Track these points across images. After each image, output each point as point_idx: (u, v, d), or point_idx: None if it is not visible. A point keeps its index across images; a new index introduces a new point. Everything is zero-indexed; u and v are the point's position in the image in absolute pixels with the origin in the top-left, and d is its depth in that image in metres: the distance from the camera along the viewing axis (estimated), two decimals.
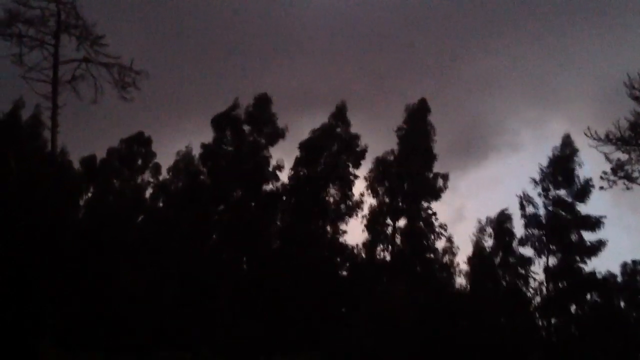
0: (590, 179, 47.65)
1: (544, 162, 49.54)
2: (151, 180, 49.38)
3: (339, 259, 49.50)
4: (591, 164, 46.10)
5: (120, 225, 44.19)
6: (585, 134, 33.43)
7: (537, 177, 49.28)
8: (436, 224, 49.38)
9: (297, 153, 50.09)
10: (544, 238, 48.44)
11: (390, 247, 49.45)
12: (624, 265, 48.07)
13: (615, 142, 32.15)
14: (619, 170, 32.70)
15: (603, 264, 48.58)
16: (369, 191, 50.25)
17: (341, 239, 49.47)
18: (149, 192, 49.63)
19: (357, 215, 49.65)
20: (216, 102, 73.14)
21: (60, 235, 37.69)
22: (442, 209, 58.33)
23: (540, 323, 48.87)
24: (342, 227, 49.57)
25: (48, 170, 39.06)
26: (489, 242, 49.77)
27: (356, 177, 50.09)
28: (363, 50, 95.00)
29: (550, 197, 49.02)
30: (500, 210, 50.07)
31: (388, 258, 49.43)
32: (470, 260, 49.14)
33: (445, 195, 50.15)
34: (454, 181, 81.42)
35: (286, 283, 44.78)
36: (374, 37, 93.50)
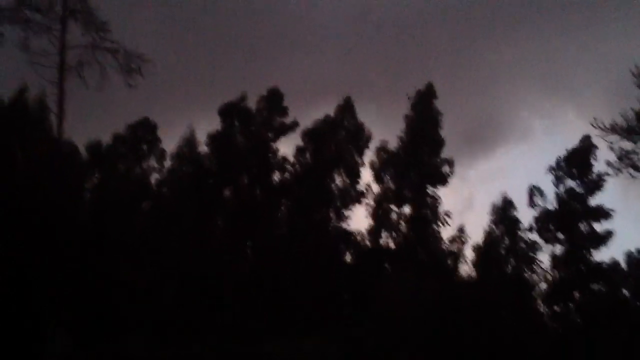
0: (604, 174, 47.64)
1: (555, 152, 49.63)
2: (156, 165, 49.48)
3: (343, 246, 49.67)
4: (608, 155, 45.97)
5: (125, 211, 44.29)
6: (592, 125, 33.47)
7: (553, 166, 49.31)
8: (441, 210, 49.51)
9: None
10: (552, 227, 48.53)
11: (395, 234, 49.58)
12: (629, 254, 48.26)
13: (622, 132, 32.18)
14: (625, 159, 32.72)
15: (611, 254, 48.85)
16: (374, 178, 50.36)
17: (345, 226, 49.70)
18: (154, 177, 49.75)
19: (362, 202, 49.87)
20: (223, 90, 72.97)
21: (67, 223, 37.81)
22: (451, 198, 58.52)
23: (543, 310, 49.08)
24: (347, 214, 49.87)
25: (54, 156, 39.20)
26: (494, 229, 49.98)
27: (362, 164, 50.17)
28: (375, 41, 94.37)
29: (563, 188, 49.01)
30: (503, 196, 50.14)
31: (392, 245, 49.54)
32: (477, 248, 49.22)
33: (454, 184, 50.32)
34: (464, 170, 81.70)
35: (290, 269, 44.93)
36: (386, 27, 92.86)
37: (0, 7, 34.57)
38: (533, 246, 49.26)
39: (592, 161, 48.70)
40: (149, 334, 38.55)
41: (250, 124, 50.17)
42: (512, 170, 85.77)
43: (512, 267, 49.51)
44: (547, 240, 48.90)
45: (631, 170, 31.81)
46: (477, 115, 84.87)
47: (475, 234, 54.31)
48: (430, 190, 49.89)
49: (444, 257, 49.45)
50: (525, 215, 50.07)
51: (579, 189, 48.82)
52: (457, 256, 49.46)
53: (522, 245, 49.46)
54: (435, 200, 49.57)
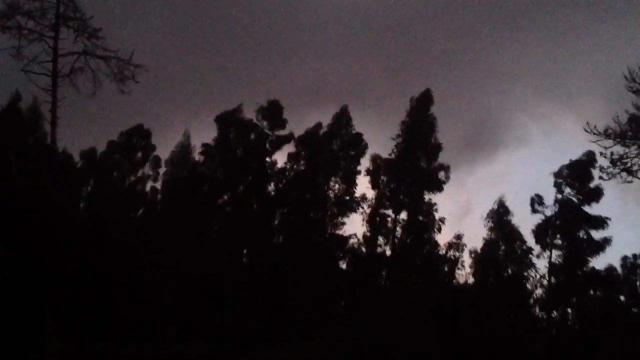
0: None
1: (554, 157, 49.43)
2: (151, 173, 49.50)
3: (339, 252, 49.66)
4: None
5: (120, 218, 44.26)
6: (585, 130, 33.43)
7: (556, 174, 49.34)
8: (437, 216, 49.48)
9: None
10: (550, 233, 48.61)
11: (391, 239, 49.56)
12: (624, 259, 48.28)
13: (615, 136, 32.14)
14: (618, 163, 32.67)
15: (608, 259, 48.81)
16: (371, 184, 50.40)
17: (341, 232, 49.71)
18: (149, 184, 49.78)
19: (358, 209, 49.87)
20: (220, 95, 73.07)
21: (61, 230, 37.78)
22: (449, 203, 58.41)
23: (540, 315, 49.04)
24: (343, 220, 49.82)
25: (49, 164, 39.21)
26: (491, 235, 49.94)
27: (357, 172, 50.31)
28: (374, 46, 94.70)
29: (563, 195, 49.17)
30: (498, 200, 50.13)
31: (388, 251, 49.60)
32: (474, 254, 49.27)
33: (452, 190, 50.30)
34: (463, 176, 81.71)
35: (286, 275, 44.90)
36: (385, 32, 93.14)
37: None
38: (530, 252, 49.11)
39: (593, 172, 48.65)
40: (147, 334, 38.52)
41: (248, 135, 50.28)
42: (511, 175, 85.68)
43: (509, 272, 49.34)
44: (544, 247, 48.85)
45: (624, 175, 31.90)
46: (476, 120, 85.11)
47: (474, 239, 54.28)
48: (426, 196, 49.74)
49: (440, 262, 49.31)
50: (522, 221, 50.01)
51: (578, 198, 48.78)
52: (454, 261, 49.28)
53: (519, 251, 49.31)
54: (431, 206, 49.43)
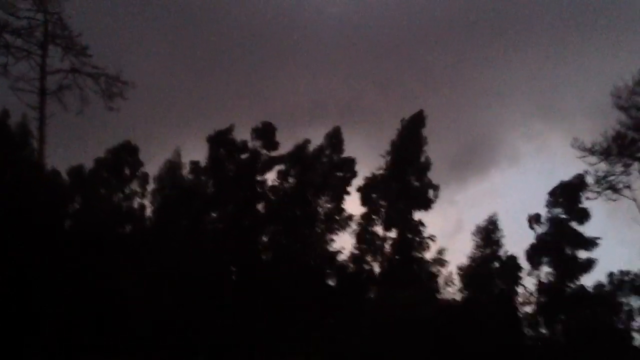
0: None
1: (544, 175, 49.56)
2: (139, 189, 49.47)
3: (328, 270, 49.75)
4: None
5: (107, 235, 44.14)
6: (572, 146, 33.78)
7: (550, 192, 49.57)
8: (425, 234, 49.61)
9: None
10: (540, 251, 48.84)
11: (379, 257, 49.73)
12: (610, 275, 48.48)
13: (600, 153, 32.42)
14: (603, 182, 32.96)
15: (598, 276, 49.00)
16: (360, 201, 50.62)
17: (330, 248, 49.73)
18: (137, 201, 49.74)
19: (346, 227, 50.04)
20: (211, 114, 73.05)
21: (48, 247, 37.70)
22: (440, 221, 58.70)
23: (528, 332, 49.15)
24: (332, 237, 49.90)
25: (36, 181, 39.18)
26: (477, 251, 50.13)
27: (347, 193, 50.53)
28: (365, 62, 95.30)
29: (552, 216, 49.42)
30: (488, 218, 50.34)
31: (377, 268, 49.68)
32: (461, 270, 49.40)
33: (444, 208, 50.44)
34: (454, 194, 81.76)
35: (274, 292, 44.94)
36: (379, 50, 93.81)
37: None
38: (519, 269, 49.30)
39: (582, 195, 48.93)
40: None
41: (239, 154, 50.68)
42: (502, 193, 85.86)
43: (498, 289, 49.52)
44: (534, 265, 49.10)
45: (609, 193, 32.16)
46: (466, 138, 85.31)
47: (464, 257, 54.46)
48: (416, 214, 50.00)
49: (429, 278, 49.49)
50: (512, 237, 50.21)
51: (566, 218, 49.05)
52: (443, 277, 49.55)
53: (508, 267, 49.49)
54: (420, 224, 49.69)
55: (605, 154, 32.28)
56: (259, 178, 50.57)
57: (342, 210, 50.22)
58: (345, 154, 50.93)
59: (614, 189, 32.55)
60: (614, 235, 67.34)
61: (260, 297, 44.95)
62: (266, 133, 50.74)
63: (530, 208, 50.33)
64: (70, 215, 46.52)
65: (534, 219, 49.29)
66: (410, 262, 49.13)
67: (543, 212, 49.45)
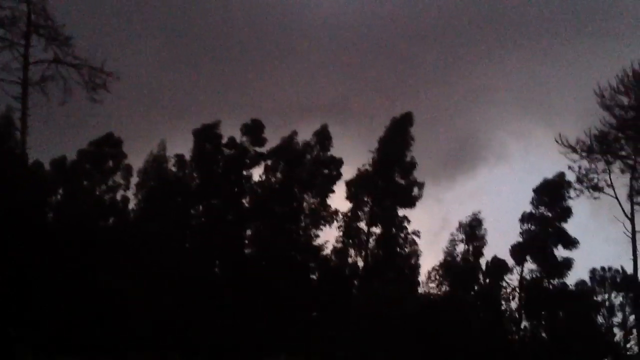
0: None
1: (531, 173, 49.54)
2: (122, 182, 49.21)
3: (312, 264, 49.81)
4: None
5: (89, 227, 43.84)
6: (556, 141, 33.89)
7: (535, 189, 49.68)
8: (410, 230, 49.90)
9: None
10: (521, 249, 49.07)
11: (363, 252, 49.87)
12: (593, 271, 48.74)
13: (582, 151, 32.55)
14: (584, 180, 33.09)
15: (580, 274, 49.40)
16: (346, 197, 50.77)
17: (315, 243, 49.82)
18: (120, 193, 49.51)
19: (332, 222, 50.21)
20: (198, 109, 72.76)
21: (30, 238, 37.35)
22: (427, 219, 58.96)
23: (511, 328, 49.42)
24: (316, 233, 50.11)
25: (18, 172, 38.80)
26: (460, 248, 50.39)
27: (332, 191, 50.71)
28: (356, 62, 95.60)
29: (537, 214, 49.65)
30: (472, 214, 50.52)
31: (360, 262, 49.76)
32: (441, 266, 49.59)
33: (431, 204, 50.57)
34: (442, 192, 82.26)
35: (257, 287, 44.89)
36: (370, 49, 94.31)
37: None
38: (502, 266, 49.52)
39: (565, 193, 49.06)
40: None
41: (225, 149, 50.81)
42: (489, 191, 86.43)
43: (481, 285, 49.76)
44: (518, 262, 49.32)
45: (591, 191, 32.25)
46: (455, 137, 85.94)
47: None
48: (400, 211, 50.14)
49: (413, 274, 49.65)
50: (497, 233, 50.43)
51: (550, 215, 49.26)
52: (420, 272, 49.81)
53: (491, 265, 49.72)
54: (404, 221, 49.86)
55: (587, 151, 32.48)
56: (245, 173, 50.69)
57: (328, 205, 50.46)
58: (334, 152, 51.39)
59: (596, 187, 32.72)
60: (596, 232, 67.92)
61: (245, 291, 44.89)
62: (254, 130, 50.91)
63: (518, 205, 50.78)
64: (52, 206, 46.20)
65: (526, 218, 49.42)
66: (393, 257, 49.32)
67: (529, 209, 49.91)
